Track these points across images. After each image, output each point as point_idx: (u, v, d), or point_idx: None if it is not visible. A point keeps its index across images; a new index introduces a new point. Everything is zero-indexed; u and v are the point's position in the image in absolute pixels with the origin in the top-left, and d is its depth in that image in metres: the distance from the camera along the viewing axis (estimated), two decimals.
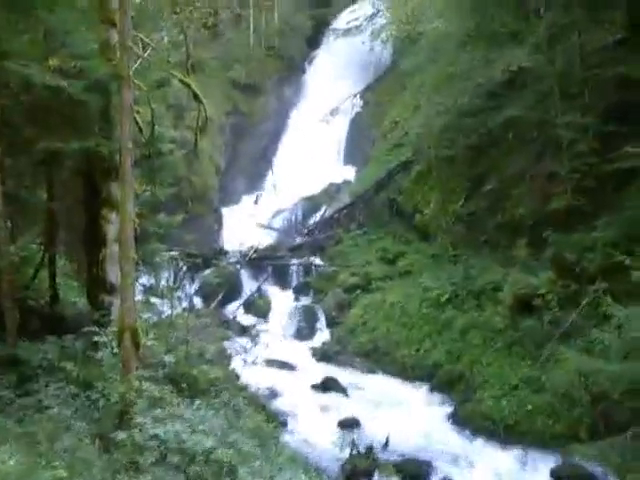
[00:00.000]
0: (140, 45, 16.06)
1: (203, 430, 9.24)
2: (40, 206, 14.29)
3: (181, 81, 19.31)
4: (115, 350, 10.93)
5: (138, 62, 13.87)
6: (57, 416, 9.37)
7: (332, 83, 38.17)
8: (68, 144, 12.21)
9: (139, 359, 10.68)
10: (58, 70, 12.18)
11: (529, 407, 15.44)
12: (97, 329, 11.61)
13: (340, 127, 36.53)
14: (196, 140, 21.95)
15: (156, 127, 16.66)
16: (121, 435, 8.63)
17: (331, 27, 42.85)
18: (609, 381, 12.58)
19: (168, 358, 12.03)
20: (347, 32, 39.99)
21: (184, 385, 11.65)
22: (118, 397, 9.77)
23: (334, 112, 36.44)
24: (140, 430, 8.74)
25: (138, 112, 15.72)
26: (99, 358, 11.12)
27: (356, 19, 39.73)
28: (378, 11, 38.40)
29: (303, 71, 41.92)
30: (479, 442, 15.51)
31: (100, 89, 12.73)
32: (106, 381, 10.51)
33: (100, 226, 13.58)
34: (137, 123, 15.96)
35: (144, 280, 18.49)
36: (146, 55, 15.73)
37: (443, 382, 18.10)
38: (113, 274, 13.15)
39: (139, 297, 17.80)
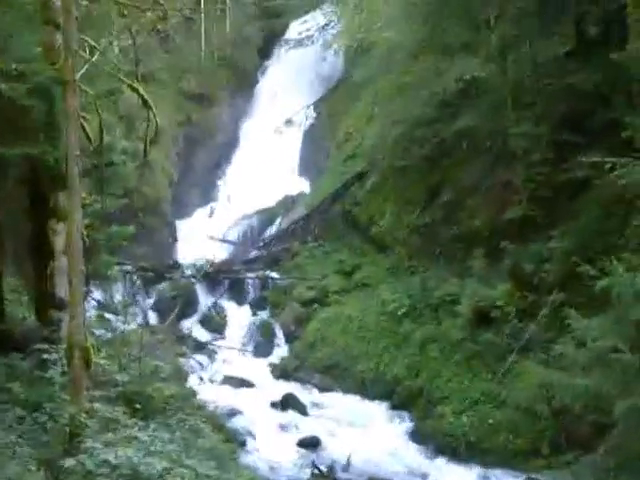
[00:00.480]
0: (87, 50, 15.56)
1: (157, 452, 8.78)
2: None
3: (130, 87, 18.82)
4: (65, 369, 10.41)
5: (85, 67, 13.34)
6: (1, 442, 8.82)
7: (285, 94, 37.80)
8: (10, 150, 11.67)
9: (90, 378, 10.19)
10: None
11: (490, 422, 15.30)
12: (46, 347, 11.10)
13: (294, 138, 36.11)
14: (145, 149, 21.34)
15: (105, 136, 16.19)
16: (70, 462, 8.12)
17: (283, 38, 42.51)
18: (572, 395, 12.42)
19: (121, 377, 11.57)
20: (299, 43, 39.72)
21: (138, 405, 11.19)
22: (67, 419, 9.26)
23: (287, 123, 36.08)
24: (90, 455, 8.23)
25: (84, 118, 15.18)
26: (48, 377, 10.61)
27: (308, 30, 39.50)
28: (330, 22, 38.21)
29: (256, 82, 41.51)
30: (441, 460, 15.39)
31: (43, 93, 12.21)
32: (55, 402, 9.99)
33: (47, 238, 13.05)
34: (85, 131, 15.48)
35: (98, 295, 17.97)
36: (94, 60, 15.25)
37: (403, 398, 17.96)
38: (62, 288, 12.53)
39: (92, 312, 17.35)
